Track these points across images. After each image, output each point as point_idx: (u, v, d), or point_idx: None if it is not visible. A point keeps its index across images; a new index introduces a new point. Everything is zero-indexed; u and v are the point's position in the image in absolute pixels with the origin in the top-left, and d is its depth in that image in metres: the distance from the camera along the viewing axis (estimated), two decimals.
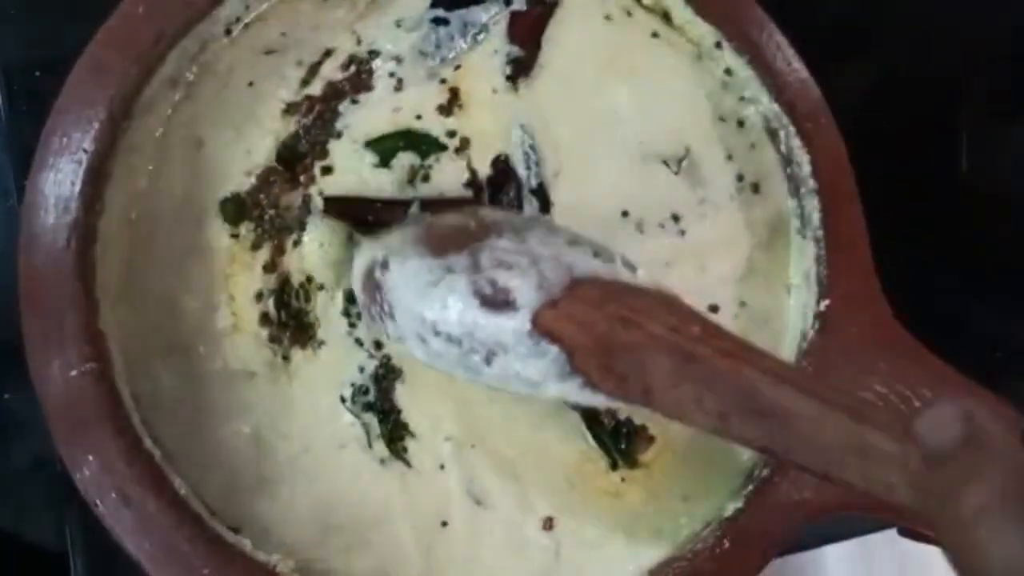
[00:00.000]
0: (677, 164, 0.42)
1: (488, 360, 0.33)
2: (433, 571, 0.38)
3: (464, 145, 0.41)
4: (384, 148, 0.40)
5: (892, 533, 0.42)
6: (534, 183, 0.41)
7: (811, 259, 0.41)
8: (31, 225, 0.35)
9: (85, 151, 0.36)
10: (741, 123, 0.43)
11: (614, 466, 0.40)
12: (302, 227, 0.40)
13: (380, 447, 0.39)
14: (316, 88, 0.40)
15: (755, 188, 0.43)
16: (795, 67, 0.42)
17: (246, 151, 0.40)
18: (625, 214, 0.42)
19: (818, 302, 0.41)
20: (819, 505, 0.39)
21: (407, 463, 0.39)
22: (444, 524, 0.39)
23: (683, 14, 0.43)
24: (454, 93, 0.41)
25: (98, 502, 0.34)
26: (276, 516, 0.38)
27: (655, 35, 0.43)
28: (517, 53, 0.42)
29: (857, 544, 0.48)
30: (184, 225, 0.39)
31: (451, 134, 0.41)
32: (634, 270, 0.33)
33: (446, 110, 0.41)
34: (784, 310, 0.42)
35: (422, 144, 0.40)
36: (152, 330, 0.38)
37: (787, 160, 0.42)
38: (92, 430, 0.34)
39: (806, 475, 0.39)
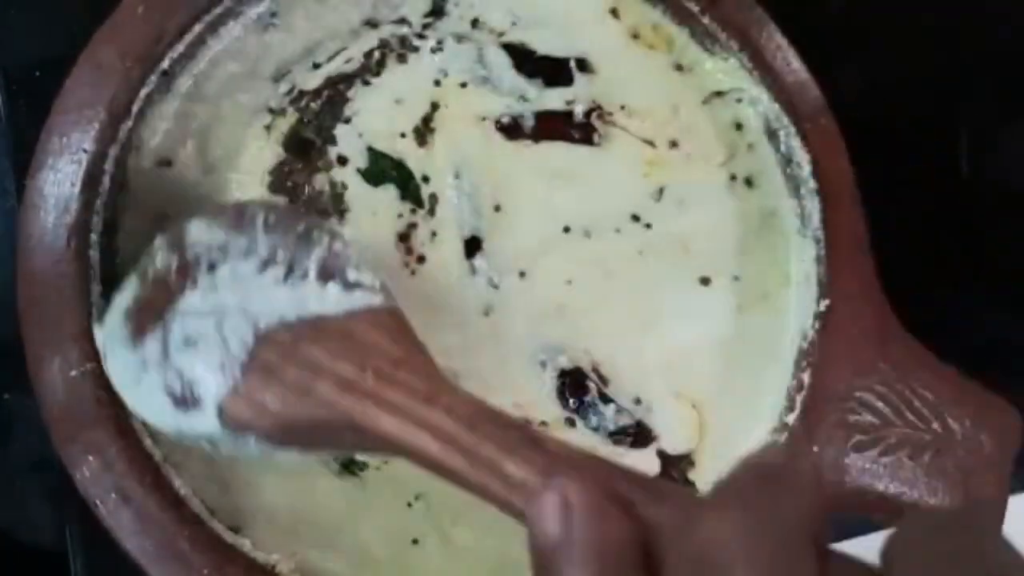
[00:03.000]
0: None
1: (213, 445, 0.31)
2: None
3: (432, 204, 0.40)
4: (377, 166, 0.40)
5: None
6: (467, 233, 0.41)
7: (811, 259, 0.41)
8: (30, 225, 0.35)
9: (85, 151, 0.36)
10: (739, 126, 0.43)
11: None
12: (341, 213, 0.40)
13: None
14: (332, 69, 0.41)
15: (748, 183, 0.43)
16: (795, 67, 0.42)
17: (257, 142, 0.40)
18: (567, 230, 0.41)
19: (818, 302, 0.41)
20: (819, 505, 0.39)
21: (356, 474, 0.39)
22: (415, 542, 0.39)
23: None
24: (434, 107, 0.41)
25: (98, 502, 0.34)
26: (250, 502, 0.37)
27: (635, 36, 0.43)
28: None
29: (857, 544, 0.48)
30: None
31: (425, 179, 0.41)
32: (326, 281, 0.31)
33: (420, 135, 0.41)
34: (783, 292, 0.42)
35: (408, 181, 0.40)
36: None
37: (787, 160, 0.42)
38: (92, 430, 0.34)
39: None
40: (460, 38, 0.42)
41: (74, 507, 0.38)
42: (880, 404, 0.39)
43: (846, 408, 0.39)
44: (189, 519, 0.35)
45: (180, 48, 0.38)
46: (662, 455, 0.41)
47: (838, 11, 0.54)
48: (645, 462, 0.41)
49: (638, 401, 0.41)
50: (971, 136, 0.54)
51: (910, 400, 0.39)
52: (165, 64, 0.37)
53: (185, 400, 0.30)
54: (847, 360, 0.40)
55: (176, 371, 0.30)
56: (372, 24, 0.41)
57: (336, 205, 0.40)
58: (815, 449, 0.39)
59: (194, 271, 0.32)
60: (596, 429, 0.40)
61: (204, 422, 0.30)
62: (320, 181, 0.40)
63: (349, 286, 0.32)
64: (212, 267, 0.32)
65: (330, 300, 0.31)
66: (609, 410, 0.40)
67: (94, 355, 0.35)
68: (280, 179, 0.40)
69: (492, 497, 0.26)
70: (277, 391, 0.29)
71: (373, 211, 0.40)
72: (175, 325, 0.31)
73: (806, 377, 0.40)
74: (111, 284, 0.36)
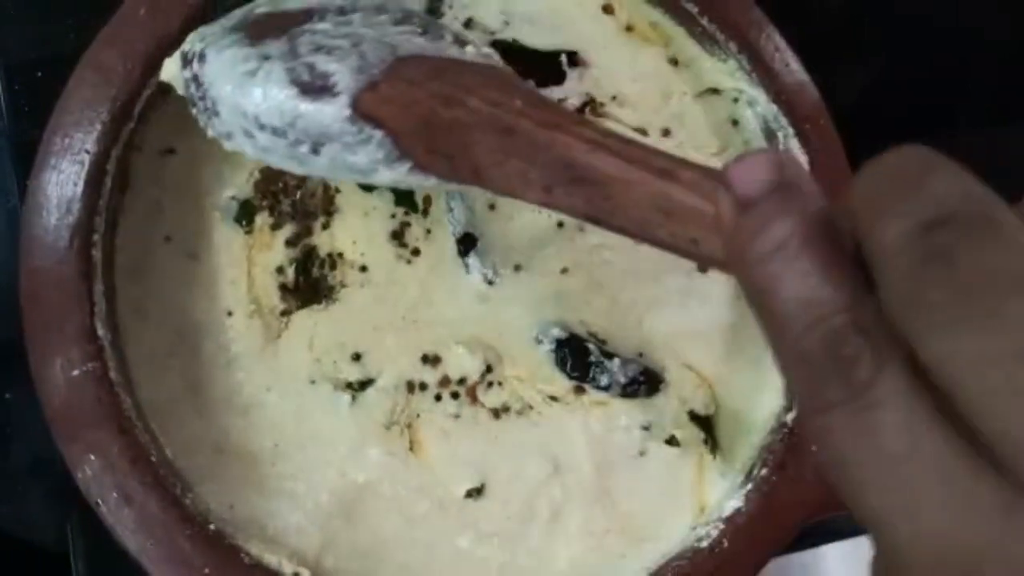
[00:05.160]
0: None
1: (315, 150, 0.31)
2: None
3: (427, 205, 0.41)
4: None
5: None
6: (460, 232, 0.41)
7: None
8: (33, 225, 0.35)
9: (87, 152, 0.36)
10: (735, 122, 0.43)
11: None
12: (329, 214, 0.40)
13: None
14: None
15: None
16: (793, 68, 0.42)
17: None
18: (560, 225, 0.42)
19: None
20: (819, 505, 0.39)
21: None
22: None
23: None
24: None
25: (99, 502, 0.34)
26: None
27: (629, 29, 0.43)
28: None
29: (857, 544, 0.48)
30: (190, 227, 0.39)
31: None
32: (464, 45, 0.32)
33: None
34: None
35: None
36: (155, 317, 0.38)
37: None
38: (93, 429, 0.34)
39: (806, 474, 0.39)
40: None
41: (74, 507, 0.38)
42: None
43: None
44: (190, 519, 0.35)
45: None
46: (693, 416, 0.41)
47: (837, 12, 0.54)
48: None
49: (641, 355, 0.41)
50: (971, 136, 0.54)
51: None
52: None
53: (314, 88, 0.30)
54: None
55: (306, 64, 0.31)
56: None
57: (326, 207, 0.40)
58: (813, 448, 0.39)
59: (324, 9, 0.33)
60: (607, 388, 0.41)
61: (328, 109, 0.30)
62: (313, 183, 0.40)
63: (484, 55, 0.33)
64: (343, 12, 0.33)
65: (468, 55, 0.32)
66: (614, 364, 0.41)
67: (96, 354, 0.35)
68: (271, 177, 0.40)
69: (669, 200, 0.26)
70: (428, 96, 0.30)
71: (365, 212, 0.40)
72: (304, 37, 0.32)
73: None
74: (112, 283, 0.37)
